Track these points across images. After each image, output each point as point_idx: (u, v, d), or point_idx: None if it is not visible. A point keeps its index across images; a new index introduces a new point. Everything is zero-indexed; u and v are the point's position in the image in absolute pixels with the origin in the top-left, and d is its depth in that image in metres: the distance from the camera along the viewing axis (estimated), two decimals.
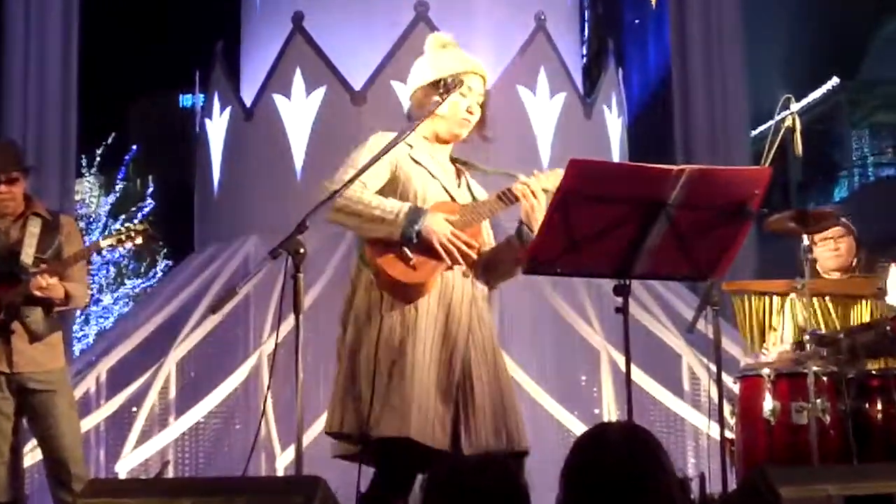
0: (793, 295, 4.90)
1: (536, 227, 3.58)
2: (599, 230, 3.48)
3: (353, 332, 3.57)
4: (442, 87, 3.70)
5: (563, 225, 3.44)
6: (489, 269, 3.73)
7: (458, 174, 3.84)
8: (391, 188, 3.66)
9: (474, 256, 3.61)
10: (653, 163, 3.51)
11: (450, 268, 3.58)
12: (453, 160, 3.86)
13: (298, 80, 9.07)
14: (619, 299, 3.65)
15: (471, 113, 3.78)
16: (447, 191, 3.72)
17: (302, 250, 3.25)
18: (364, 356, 3.52)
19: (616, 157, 9.73)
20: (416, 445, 3.41)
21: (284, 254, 3.25)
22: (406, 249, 3.53)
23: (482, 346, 3.59)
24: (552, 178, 3.64)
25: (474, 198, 3.77)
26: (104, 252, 6.32)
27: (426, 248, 3.53)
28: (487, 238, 3.79)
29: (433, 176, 3.70)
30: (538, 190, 3.61)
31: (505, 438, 3.52)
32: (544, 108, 9.23)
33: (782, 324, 5.07)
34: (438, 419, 3.47)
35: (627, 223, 3.49)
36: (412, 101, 3.86)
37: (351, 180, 3.48)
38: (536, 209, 3.60)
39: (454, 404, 3.51)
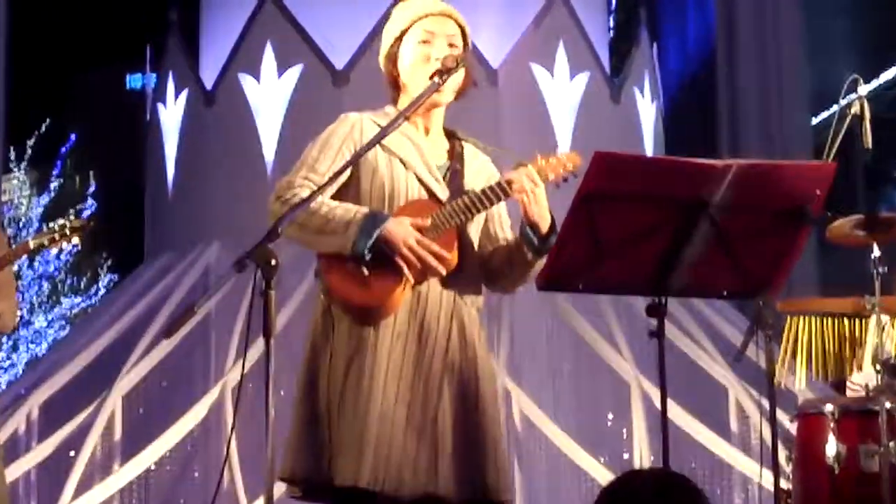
0: (884, 317, 4.83)
1: (543, 225, 3.54)
2: (629, 238, 3.49)
3: (311, 362, 3.55)
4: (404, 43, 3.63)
5: (585, 232, 3.44)
6: (497, 276, 3.69)
7: (453, 152, 3.73)
8: (352, 184, 3.60)
9: (443, 272, 3.52)
10: (693, 156, 3.52)
11: (416, 284, 3.51)
12: (449, 134, 3.76)
13: (269, 58, 9.09)
14: (653, 321, 3.65)
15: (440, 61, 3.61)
16: (424, 183, 3.61)
17: (274, 261, 3.22)
18: (319, 390, 3.50)
19: (649, 150, 9.75)
20: (375, 494, 3.38)
21: (252, 265, 3.24)
22: (361, 265, 3.47)
23: (460, 372, 3.54)
24: (556, 166, 3.59)
25: (463, 187, 3.63)
26: (36, 262, 6.31)
27: (386, 260, 3.47)
28: (502, 233, 3.74)
29: (406, 165, 3.61)
30: (536, 180, 3.52)
31: (480, 487, 3.48)
32: (563, 90, 9.25)
33: (868, 350, 5.02)
34: (408, 462, 3.43)
35: (663, 229, 3.50)
36: (385, 79, 3.77)
37: (312, 196, 3.41)
38: (534, 203, 3.53)
39: (431, 442, 3.47)
